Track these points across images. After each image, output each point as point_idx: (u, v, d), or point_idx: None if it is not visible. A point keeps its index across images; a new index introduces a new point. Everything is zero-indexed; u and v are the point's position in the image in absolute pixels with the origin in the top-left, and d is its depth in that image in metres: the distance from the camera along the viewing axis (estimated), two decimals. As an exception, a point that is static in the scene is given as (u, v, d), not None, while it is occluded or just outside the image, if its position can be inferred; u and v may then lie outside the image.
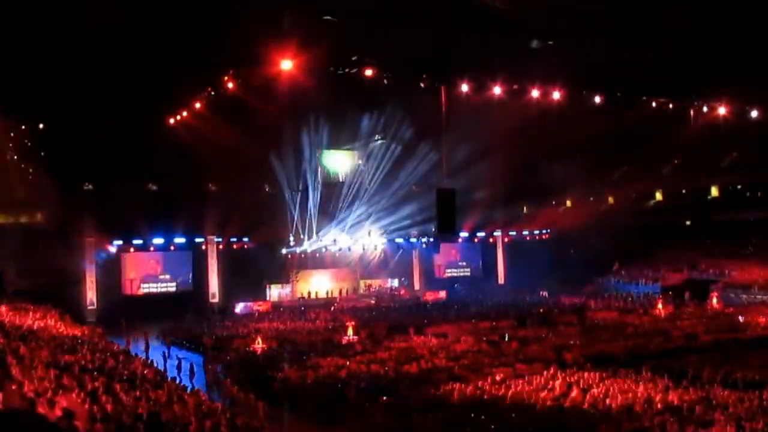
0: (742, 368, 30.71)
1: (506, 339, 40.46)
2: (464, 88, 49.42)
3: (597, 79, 52.68)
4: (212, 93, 50.75)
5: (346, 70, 45.12)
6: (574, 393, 27.24)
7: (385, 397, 27.38)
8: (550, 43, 50.38)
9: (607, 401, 25.94)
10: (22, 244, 49.49)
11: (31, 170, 53.14)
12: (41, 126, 48.93)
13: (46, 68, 47.28)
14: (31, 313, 39.66)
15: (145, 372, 28.69)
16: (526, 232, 78.93)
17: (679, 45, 49.35)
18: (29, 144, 50.68)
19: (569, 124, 57.50)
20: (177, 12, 43.97)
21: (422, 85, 47.56)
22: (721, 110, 55.99)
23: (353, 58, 44.93)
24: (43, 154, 49.96)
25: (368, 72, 45.78)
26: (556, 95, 52.09)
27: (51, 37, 45.66)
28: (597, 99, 53.71)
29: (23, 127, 48.70)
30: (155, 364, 33.34)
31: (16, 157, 52.01)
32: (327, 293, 67.56)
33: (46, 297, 48.09)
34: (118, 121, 53.69)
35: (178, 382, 30.16)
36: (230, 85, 47.97)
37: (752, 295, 56.56)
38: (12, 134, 48.33)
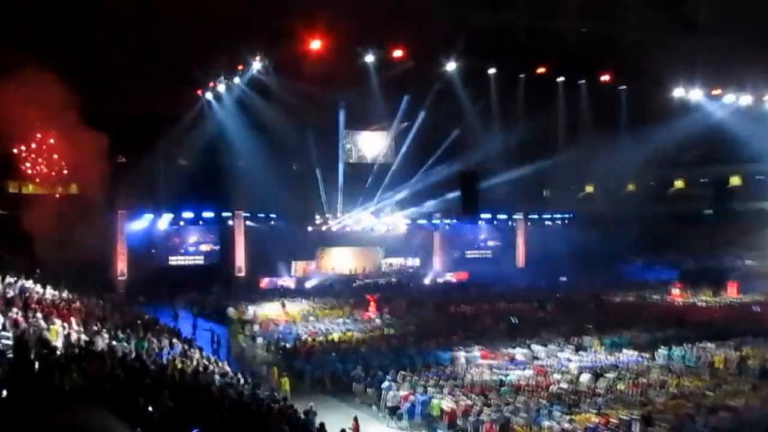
0: (757, 357, 30.73)
1: (515, 321, 40.48)
2: (491, 71, 49.50)
3: (619, 66, 52.65)
4: (243, 69, 51.05)
5: (377, 51, 45.22)
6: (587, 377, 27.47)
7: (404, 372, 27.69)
8: (583, 30, 50.51)
9: (620, 386, 26.14)
10: (57, 215, 49.85)
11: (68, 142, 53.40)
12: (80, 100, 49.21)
13: (82, 42, 47.80)
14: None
15: (173, 340, 29.08)
16: (547, 216, 78.63)
17: (704, 34, 49.25)
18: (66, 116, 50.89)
19: (593, 110, 57.49)
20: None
21: (449, 69, 47.62)
22: (746, 99, 55.80)
23: (384, 40, 45.04)
24: (80, 125, 50.19)
25: (397, 53, 45.86)
26: (581, 82, 52.22)
27: (88, 8, 46.09)
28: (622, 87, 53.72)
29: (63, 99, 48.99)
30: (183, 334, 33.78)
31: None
32: (350, 271, 67.89)
33: (79, 267, 48.67)
34: (151, 96, 54.08)
35: (210, 353, 30.66)
36: (261, 62, 48.23)
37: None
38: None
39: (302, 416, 21.23)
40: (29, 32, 46.14)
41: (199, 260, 63.71)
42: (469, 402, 23.80)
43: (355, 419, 22.07)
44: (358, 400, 27.60)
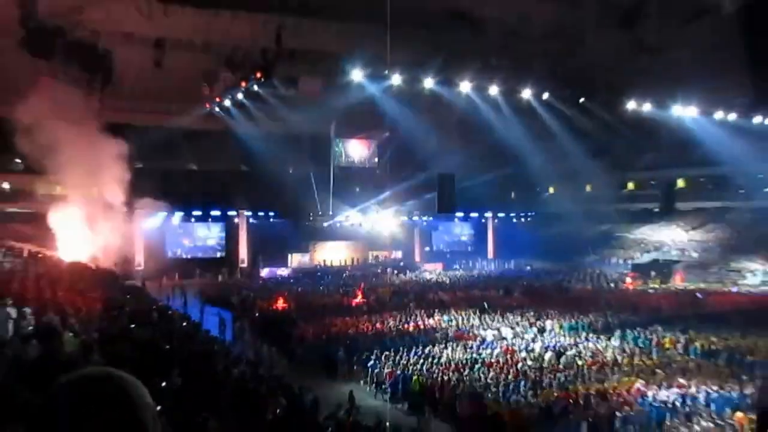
0: (700, 339, 30.82)
1: (487, 307, 40.33)
2: (463, 87, 49.61)
3: (580, 84, 52.98)
4: (246, 86, 51.22)
5: (364, 69, 45.21)
6: (550, 355, 27.53)
7: (386, 352, 27.61)
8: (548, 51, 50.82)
9: (579, 363, 26.21)
10: (82, 214, 50.01)
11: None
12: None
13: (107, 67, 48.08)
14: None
15: (183, 324, 28.96)
16: (513, 214, 79.09)
17: (652, 55, 49.71)
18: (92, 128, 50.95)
19: (556, 120, 57.74)
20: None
21: (426, 85, 47.74)
22: (691, 112, 56.22)
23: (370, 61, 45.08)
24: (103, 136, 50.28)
25: (382, 71, 45.87)
26: (545, 96, 52.39)
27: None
28: (581, 99, 53.97)
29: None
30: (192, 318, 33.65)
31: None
32: (340, 262, 67.95)
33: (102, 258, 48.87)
34: (165, 110, 54.16)
35: (217, 335, 30.57)
36: (261, 79, 48.38)
37: (711, 274, 56.53)
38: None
39: (297, 392, 21.17)
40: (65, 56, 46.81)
41: (207, 253, 63.84)
42: (446, 378, 23.80)
43: (351, 393, 22.14)
44: (345, 379, 27.58)
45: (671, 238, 66.72)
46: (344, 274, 60.63)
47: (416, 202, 68.62)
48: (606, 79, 54.68)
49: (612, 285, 53.90)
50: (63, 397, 1.94)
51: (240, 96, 54.25)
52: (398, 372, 24.93)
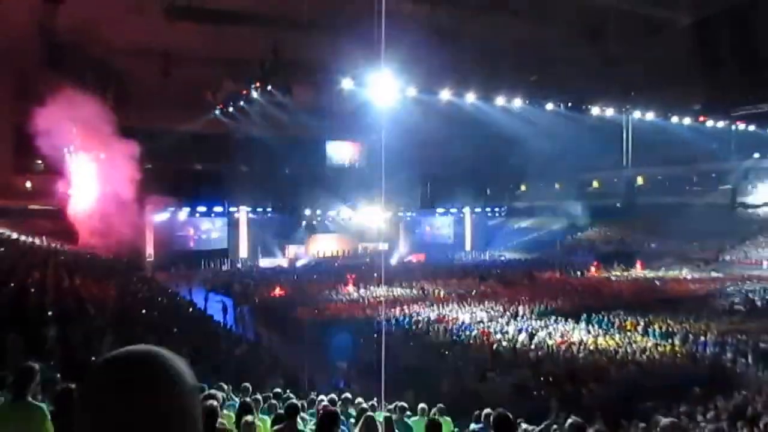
0: (658, 321, 30.88)
1: (473, 293, 40.26)
2: (443, 95, 49.74)
3: (550, 91, 53.19)
4: (246, 94, 51.26)
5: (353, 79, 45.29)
6: (524, 336, 27.48)
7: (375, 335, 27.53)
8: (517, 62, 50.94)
9: (549, 342, 26.22)
10: (98, 210, 49.99)
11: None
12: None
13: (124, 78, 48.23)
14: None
15: (190, 309, 28.88)
16: (488, 209, 79.20)
17: (616, 63, 50.00)
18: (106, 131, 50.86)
19: (528, 125, 57.88)
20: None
21: (408, 94, 47.97)
22: (650, 117, 56.57)
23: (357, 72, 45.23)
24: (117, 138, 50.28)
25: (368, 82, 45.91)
26: (518, 102, 52.56)
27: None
28: (549, 106, 54.15)
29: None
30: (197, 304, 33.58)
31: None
32: (332, 253, 67.90)
33: (116, 251, 48.85)
34: (173, 116, 54.04)
35: (220, 320, 30.55)
36: (260, 89, 48.49)
37: (668, 263, 56.64)
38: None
39: (293, 370, 21.14)
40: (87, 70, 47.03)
41: (211, 245, 63.84)
42: (429, 357, 23.77)
43: (347, 366, 22.20)
44: (338, 359, 27.50)
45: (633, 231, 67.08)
46: (336, 264, 60.60)
47: (401, 198, 68.64)
48: (573, 87, 54.83)
49: (578, 273, 53.88)
50: (105, 378, 1.55)
51: (241, 103, 54.40)
52: (386, 352, 24.84)
